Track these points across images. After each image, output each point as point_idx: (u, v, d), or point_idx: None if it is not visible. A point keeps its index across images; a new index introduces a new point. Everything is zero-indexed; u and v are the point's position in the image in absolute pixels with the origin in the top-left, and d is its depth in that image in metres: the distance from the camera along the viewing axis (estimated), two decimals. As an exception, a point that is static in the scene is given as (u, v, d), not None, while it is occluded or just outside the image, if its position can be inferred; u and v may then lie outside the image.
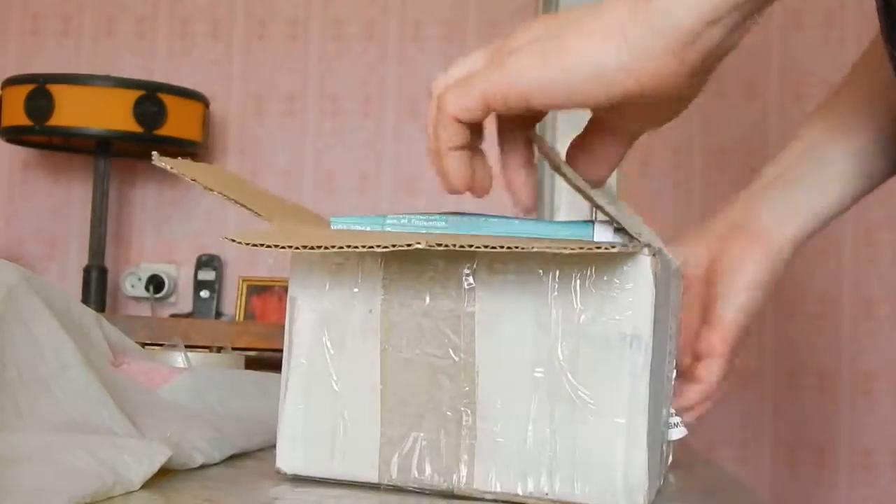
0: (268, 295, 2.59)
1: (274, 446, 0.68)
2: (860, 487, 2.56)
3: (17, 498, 0.43)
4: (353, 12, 2.69)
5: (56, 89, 2.34)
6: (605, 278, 0.53)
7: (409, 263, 0.55)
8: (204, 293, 2.61)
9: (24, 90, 2.36)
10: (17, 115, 2.37)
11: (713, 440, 2.52)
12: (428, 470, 0.55)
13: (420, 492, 0.55)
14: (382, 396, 0.55)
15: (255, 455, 0.66)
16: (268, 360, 1.97)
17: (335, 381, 0.56)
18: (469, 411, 0.54)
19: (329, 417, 0.56)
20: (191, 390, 0.75)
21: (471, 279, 0.54)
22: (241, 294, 2.59)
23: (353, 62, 2.68)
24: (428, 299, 0.55)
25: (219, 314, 2.63)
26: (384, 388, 0.55)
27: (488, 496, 0.54)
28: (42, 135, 2.42)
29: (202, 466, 0.59)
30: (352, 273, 0.56)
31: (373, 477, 0.55)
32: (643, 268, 0.52)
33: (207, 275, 2.62)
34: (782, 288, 2.53)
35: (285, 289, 2.67)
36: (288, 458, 0.57)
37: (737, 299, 0.80)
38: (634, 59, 0.51)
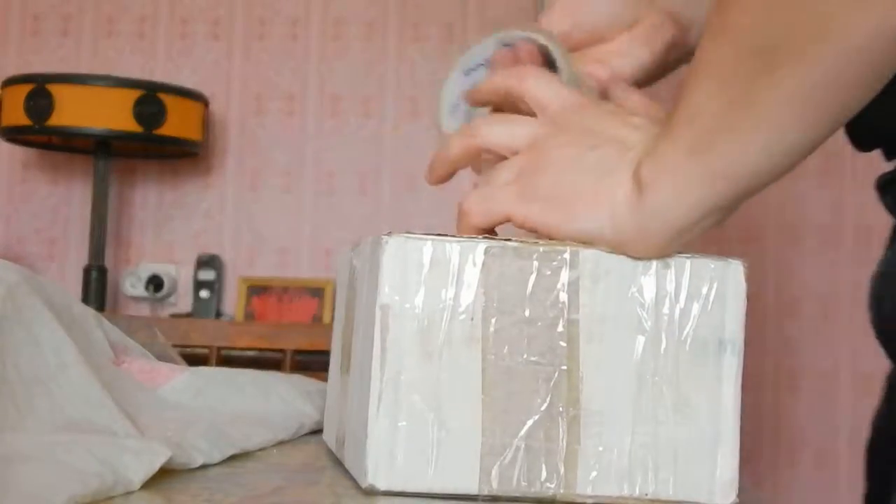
0: (268, 295, 2.59)
1: (274, 446, 0.68)
2: (860, 487, 2.55)
3: (17, 498, 0.43)
4: (353, 12, 2.69)
5: (56, 89, 2.34)
6: (702, 286, 0.56)
7: (510, 270, 0.55)
8: (204, 293, 2.61)
9: (24, 90, 2.35)
10: (17, 115, 2.37)
11: (713, 440, 2.52)
12: (530, 478, 0.54)
13: (521, 500, 0.54)
14: (484, 405, 0.54)
15: (255, 455, 0.66)
16: (268, 360, 1.97)
17: (434, 392, 0.54)
18: (573, 418, 0.55)
19: (428, 429, 0.54)
20: (191, 390, 0.75)
21: (576, 286, 0.55)
22: (241, 294, 2.60)
23: (353, 62, 2.68)
24: (530, 307, 0.55)
25: (219, 314, 2.63)
26: (486, 398, 0.54)
27: (589, 500, 0.54)
28: (42, 135, 2.42)
29: (202, 466, 0.59)
30: (451, 281, 0.55)
31: (472, 488, 0.54)
32: (737, 276, 0.56)
33: (207, 275, 2.62)
34: (782, 288, 2.53)
35: (285, 289, 2.69)
36: (383, 474, 0.54)
37: None
38: (624, 239, 0.55)
